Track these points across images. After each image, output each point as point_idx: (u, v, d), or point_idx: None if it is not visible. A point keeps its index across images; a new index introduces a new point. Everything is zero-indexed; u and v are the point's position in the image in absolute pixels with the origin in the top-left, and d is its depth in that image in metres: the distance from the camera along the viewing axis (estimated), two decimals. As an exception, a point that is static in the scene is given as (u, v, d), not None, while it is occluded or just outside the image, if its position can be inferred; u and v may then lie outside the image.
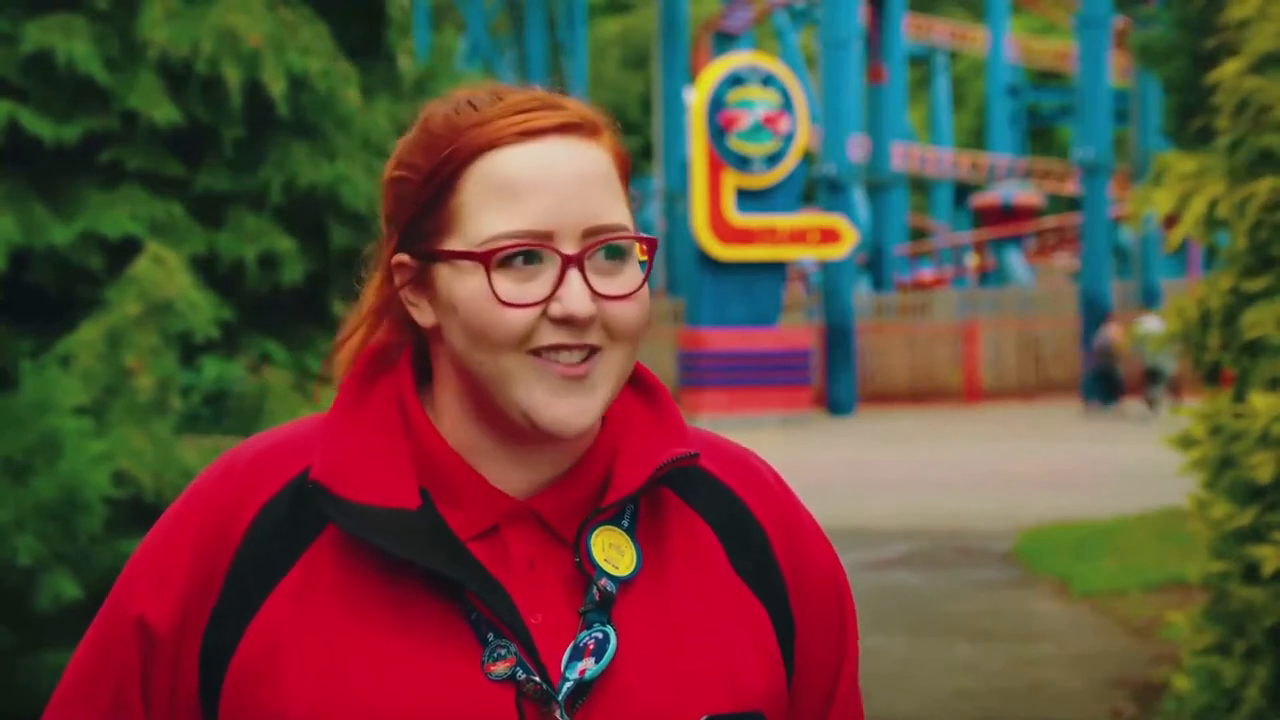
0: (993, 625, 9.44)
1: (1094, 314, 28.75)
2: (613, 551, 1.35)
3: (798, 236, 26.19)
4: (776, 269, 26.69)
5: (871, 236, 34.43)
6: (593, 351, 1.32)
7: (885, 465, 19.22)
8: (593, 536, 1.35)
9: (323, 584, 1.33)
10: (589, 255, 1.31)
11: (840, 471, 18.13)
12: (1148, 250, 31.65)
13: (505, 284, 1.31)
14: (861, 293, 32.81)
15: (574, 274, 1.31)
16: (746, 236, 25.89)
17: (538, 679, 1.29)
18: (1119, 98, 33.58)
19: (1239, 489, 5.09)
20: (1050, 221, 41.56)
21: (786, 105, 26.20)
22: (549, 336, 1.31)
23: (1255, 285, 5.12)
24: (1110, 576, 10.72)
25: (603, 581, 1.33)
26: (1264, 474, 4.84)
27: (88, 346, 5.44)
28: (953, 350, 31.22)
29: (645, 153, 40.34)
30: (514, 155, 1.32)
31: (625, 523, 1.37)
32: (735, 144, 25.79)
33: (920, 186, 46.49)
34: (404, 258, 1.37)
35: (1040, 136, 51.61)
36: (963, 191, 44.73)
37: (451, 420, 1.37)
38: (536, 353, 1.31)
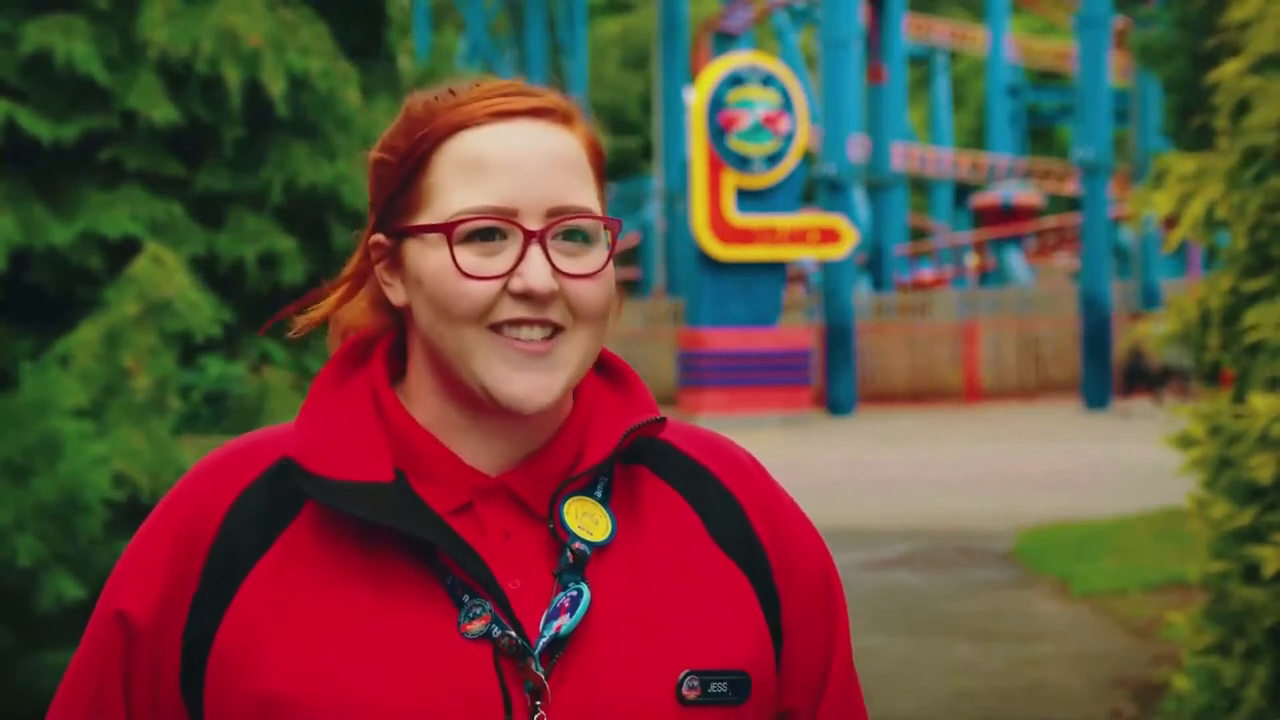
0: (993, 625, 9.44)
1: (1094, 314, 28.74)
2: (586, 520, 1.37)
3: (798, 236, 26.19)
4: (776, 269, 26.68)
5: (871, 236, 34.41)
6: (556, 331, 1.34)
7: (885, 465, 19.21)
8: (565, 506, 1.37)
9: (299, 562, 1.35)
10: (551, 232, 1.34)
11: (840, 471, 18.13)
12: (1148, 250, 31.65)
13: (468, 257, 1.33)
14: (861, 293, 32.80)
15: (535, 250, 1.33)
16: (746, 236, 25.89)
17: (513, 634, 1.30)
18: (1119, 98, 33.57)
19: (1239, 489, 5.09)
20: (1050, 221, 41.56)
21: (786, 105, 26.19)
22: (509, 311, 1.33)
23: (1255, 285, 5.11)
24: (1110, 576, 10.72)
25: (576, 545, 1.35)
26: (1264, 475, 4.84)
27: (86, 346, 5.44)
28: (953, 350, 31.22)
29: (645, 153, 40.29)
30: (485, 134, 1.36)
31: (598, 493, 1.39)
32: (735, 144, 25.79)
33: (920, 186, 46.47)
34: (379, 237, 1.41)
35: (1040, 136, 51.60)
36: (963, 191, 44.71)
37: (423, 400, 1.39)
38: (497, 329, 1.34)
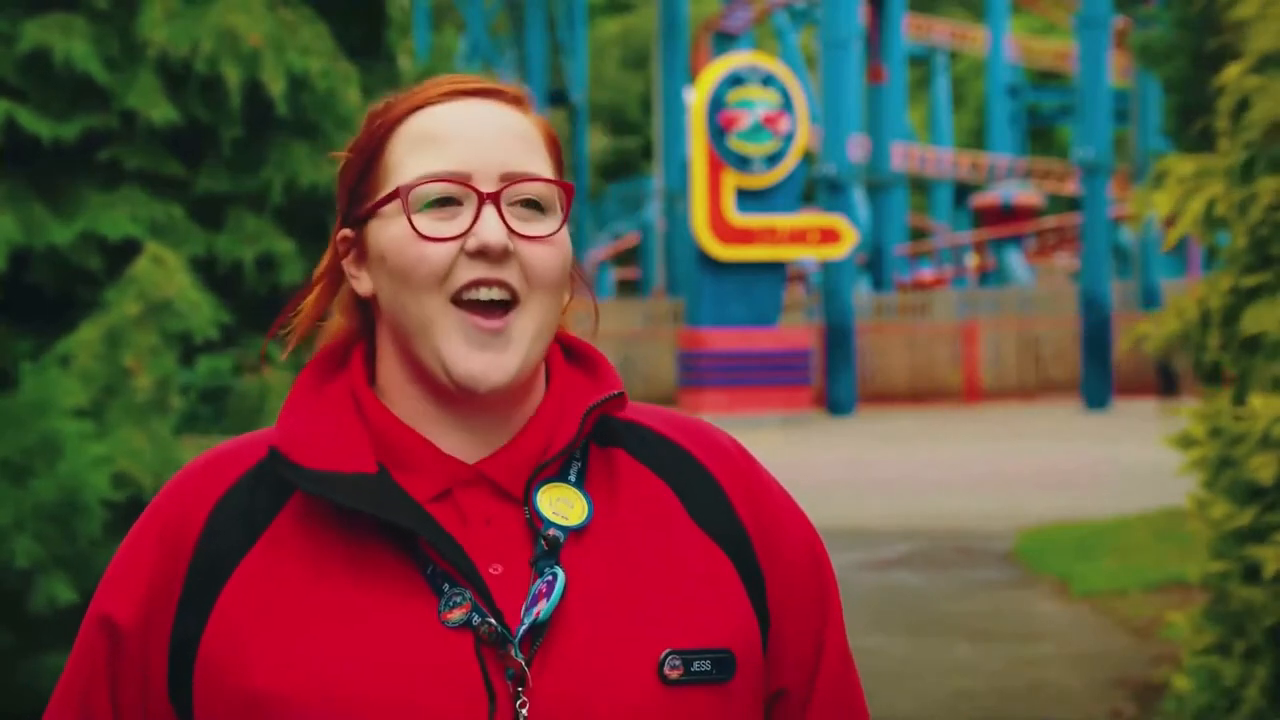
0: (993, 625, 9.43)
1: (1094, 314, 28.73)
2: (561, 504, 1.38)
3: (798, 236, 26.18)
4: (776, 269, 26.68)
5: (871, 236, 34.40)
6: (513, 303, 1.36)
7: (885, 465, 19.21)
8: (539, 493, 1.38)
9: (282, 559, 1.35)
10: (506, 195, 1.36)
11: (840, 471, 18.13)
12: (1148, 250, 31.63)
13: (425, 222, 1.36)
14: (861, 293, 32.79)
15: (490, 209, 1.36)
16: (746, 236, 25.88)
17: (492, 621, 1.31)
18: (1119, 98, 33.56)
19: (1239, 489, 5.08)
20: (1050, 221, 41.55)
21: (786, 105, 26.19)
22: (467, 272, 1.35)
23: (1255, 281, 5.11)
24: (1110, 576, 10.71)
25: (550, 531, 1.35)
26: (1265, 476, 4.83)
27: (87, 347, 5.44)
28: (953, 350, 31.21)
29: (645, 153, 40.30)
30: (438, 110, 1.40)
31: (571, 478, 1.40)
32: (735, 144, 25.78)
33: (920, 186, 46.46)
34: (346, 231, 1.43)
35: (1040, 136, 51.59)
36: (963, 191, 44.71)
37: (397, 392, 1.41)
38: (459, 302, 1.35)
